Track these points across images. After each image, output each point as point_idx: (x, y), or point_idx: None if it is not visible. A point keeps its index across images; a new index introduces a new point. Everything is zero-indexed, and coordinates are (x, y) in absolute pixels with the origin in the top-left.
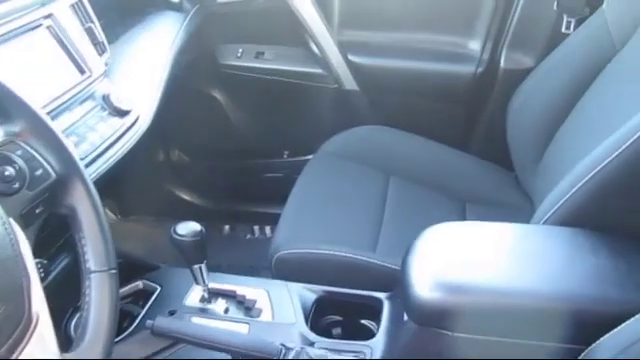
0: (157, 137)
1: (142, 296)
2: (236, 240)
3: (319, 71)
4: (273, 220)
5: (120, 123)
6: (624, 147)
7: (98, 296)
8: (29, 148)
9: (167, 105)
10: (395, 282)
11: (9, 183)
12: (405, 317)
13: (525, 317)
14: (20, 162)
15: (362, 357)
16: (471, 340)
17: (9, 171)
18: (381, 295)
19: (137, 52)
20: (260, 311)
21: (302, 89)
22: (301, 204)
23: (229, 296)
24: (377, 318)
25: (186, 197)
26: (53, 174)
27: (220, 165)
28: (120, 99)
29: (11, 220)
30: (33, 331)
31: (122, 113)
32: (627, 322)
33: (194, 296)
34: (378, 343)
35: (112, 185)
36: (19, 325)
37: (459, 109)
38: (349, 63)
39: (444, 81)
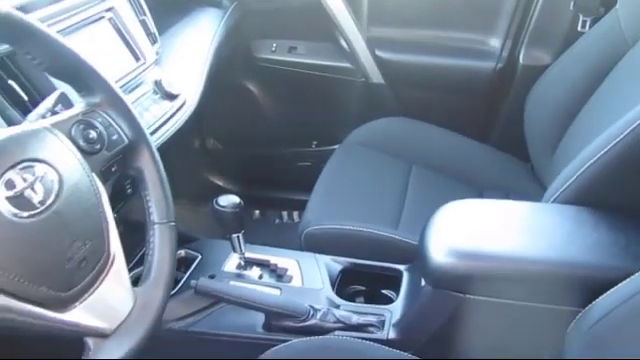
0: (194, 126)
1: (184, 263)
2: (266, 224)
3: (348, 65)
4: (301, 206)
5: (170, 106)
6: (626, 132)
7: (160, 243)
8: (107, 117)
9: (205, 95)
10: (414, 256)
11: (92, 144)
12: (422, 283)
13: (530, 282)
14: (100, 128)
15: (382, 319)
16: (480, 302)
17: (92, 134)
18: (401, 267)
19: (182, 44)
20: (291, 278)
21: (331, 82)
22: (329, 186)
23: (263, 265)
24: (397, 288)
25: (219, 183)
26: (126, 139)
27: (252, 153)
28: (170, 84)
29: (93, 175)
30: (111, 266)
31: (172, 97)
32: (618, 285)
33: (231, 263)
34: (397, 307)
35: None
36: (100, 260)
37: (479, 102)
38: (376, 58)
39: (465, 76)
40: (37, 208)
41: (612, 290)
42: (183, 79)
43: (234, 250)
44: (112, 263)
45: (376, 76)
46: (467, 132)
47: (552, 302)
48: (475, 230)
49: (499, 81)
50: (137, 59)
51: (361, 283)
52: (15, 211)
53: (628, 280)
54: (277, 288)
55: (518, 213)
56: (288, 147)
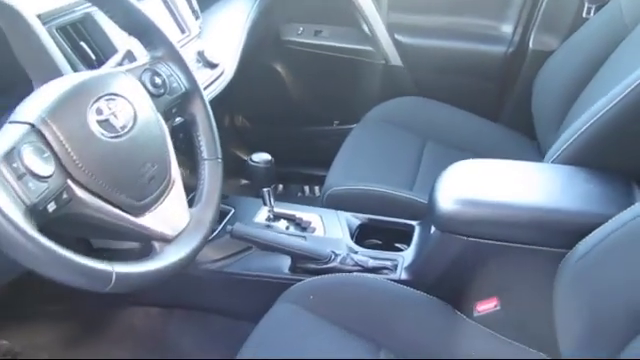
0: (224, 104)
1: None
2: (288, 197)
3: (369, 48)
4: (321, 181)
5: (210, 74)
6: (622, 96)
7: (209, 175)
8: (168, 68)
9: (237, 74)
10: (425, 213)
11: (157, 88)
12: (432, 230)
13: (524, 226)
14: (164, 76)
15: (396, 263)
16: (481, 244)
17: (157, 80)
18: (413, 222)
19: (220, 22)
20: (314, 229)
21: (353, 64)
22: (349, 154)
23: (289, 218)
24: (409, 241)
25: (246, 158)
26: (183, 88)
27: (277, 131)
28: (211, 54)
29: (158, 114)
30: (172, 187)
31: (212, 66)
32: (600, 227)
33: (261, 216)
34: (409, 253)
35: None
36: (164, 180)
37: (490, 84)
38: (395, 42)
39: (478, 59)
40: (118, 132)
41: (594, 232)
42: (221, 52)
43: (264, 203)
44: (173, 185)
45: (395, 59)
46: (479, 111)
47: (544, 244)
48: (478, 182)
49: (510, 64)
50: (182, 31)
51: (377, 237)
52: (103, 131)
53: (606, 223)
54: (302, 237)
55: (517, 170)
56: (311, 125)
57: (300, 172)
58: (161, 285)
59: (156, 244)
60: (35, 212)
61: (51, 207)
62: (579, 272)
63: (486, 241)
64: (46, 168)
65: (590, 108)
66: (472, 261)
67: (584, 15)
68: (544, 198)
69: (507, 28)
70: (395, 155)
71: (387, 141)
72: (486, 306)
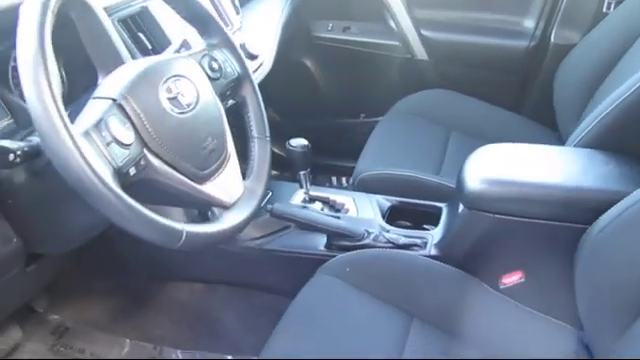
0: None
1: None
2: None
3: (395, 43)
4: (349, 172)
5: (251, 64)
6: (638, 85)
7: (259, 151)
8: (223, 54)
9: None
10: (452, 196)
11: (215, 72)
12: (460, 209)
13: (547, 203)
14: (220, 61)
15: (425, 240)
16: (507, 220)
17: (214, 65)
18: (441, 204)
19: (257, 17)
20: (347, 210)
21: (380, 58)
22: (378, 142)
23: (323, 201)
24: (437, 223)
25: (275, 150)
26: (236, 73)
27: (306, 124)
28: (252, 46)
29: (215, 95)
30: (229, 161)
31: (253, 57)
32: (617, 204)
33: (297, 198)
34: (438, 231)
35: None
36: (222, 154)
37: (513, 77)
38: (421, 37)
39: (501, 53)
40: (185, 109)
41: (612, 208)
42: (260, 44)
43: (300, 186)
44: (229, 158)
45: (421, 53)
46: (502, 104)
47: (566, 220)
48: (504, 164)
49: (531, 58)
50: (226, 25)
51: (406, 219)
52: (172, 107)
53: (623, 199)
54: (336, 217)
55: (540, 152)
56: (339, 118)
57: (328, 163)
58: (205, 262)
59: (216, 210)
60: (120, 174)
61: (132, 171)
62: (598, 245)
63: (511, 218)
64: (128, 137)
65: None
66: (498, 237)
67: (604, 10)
68: (566, 177)
69: (529, 23)
70: (421, 143)
71: (413, 131)
72: (511, 279)
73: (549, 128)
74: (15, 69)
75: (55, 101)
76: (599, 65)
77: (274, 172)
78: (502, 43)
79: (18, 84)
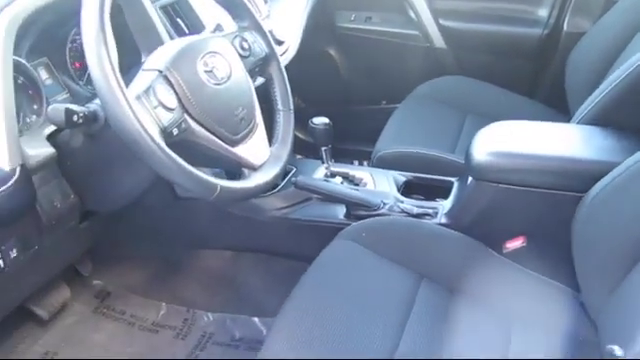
0: None
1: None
2: None
3: (415, 32)
4: (370, 156)
5: (277, 49)
6: (635, 66)
7: (284, 121)
8: (252, 35)
9: (294, 59)
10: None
11: (245, 51)
12: (468, 181)
13: (548, 173)
14: (249, 42)
15: (436, 210)
16: (511, 190)
17: (245, 45)
18: (453, 179)
19: (284, 7)
20: (365, 184)
21: (400, 47)
22: (397, 124)
23: (344, 176)
24: (448, 197)
25: (300, 135)
26: (264, 52)
27: (330, 110)
28: (279, 33)
29: (245, 71)
30: (257, 129)
31: (279, 42)
32: (610, 172)
33: (319, 173)
34: (448, 202)
35: None
36: (251, 122)
37: (527, 64)
38: (439, 26)
39: (516, 41)
40: (219, 81)
41: (606, 176)
42: (286, 31)
43: (322, 161)
44: (257, 127)
45: (439, 41)
46: (516, 89)
47: (564, 189)
48: (509, 138)
49: (545, 45)
50: (256, 12)
51: (420, 194)
52: (209, 79)
53: (615, 168)
54: (355, 190)
55: (544, 128)
56: (361, 105)
57: (350, 148)
58: (233, 231)
59: (245, 170)
60: (165, 133)
61: (175, 131)
62: (592, 211)
63: (515, 187)
64: (171, 102)
65: None
66: (502, 205)
67: None
68: (565, 150)
69: (543, 12)
70: (438, 125)
71: (431, 114)
72: (513, 244)
73: (561, 112)
74: (71, 50)
75: (114, 71)
76: (608, 51)
77: (298, 156)
78: (517, 31)
79: (74, 62)
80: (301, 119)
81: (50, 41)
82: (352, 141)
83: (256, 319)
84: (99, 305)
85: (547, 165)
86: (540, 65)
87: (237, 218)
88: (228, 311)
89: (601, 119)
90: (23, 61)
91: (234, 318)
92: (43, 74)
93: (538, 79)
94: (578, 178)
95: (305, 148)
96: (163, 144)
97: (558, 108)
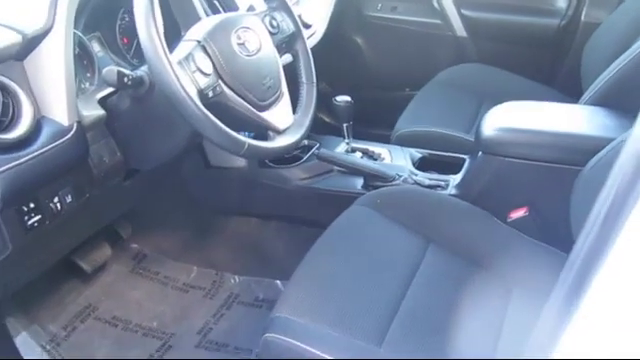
0: None
1: (306, 148)
2: None
3: (438, 21)
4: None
5: (305, 32)
6: (637, 52)
7: (307, 93)
8: (281, 15)
9: (321, 46)
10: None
11: (274, 28)
12: (478, 155)
13: (549, 147)
14: (278, 20)
15: (447, 183)
16: (515, 163)
17: (274, 23)
18: (465, 156)
19: None
20: (383, 159)
21: (423, 36)
22: (417, 106)
23: (363, 151)
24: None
25: (326, 119)
26: (290, 30)
27: (355, 96)
28: (307, 17)
29: (274, 47)
30: (282, 97)
31: (307, 26)
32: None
33: (340, 148)
34: (458, 176)
35: None
36: (277, 91)
37: (545, 52)
38: (461, 15)
39: (535, 30)
40: (250, 52)
41: (601, 151)
42: (314, 16)
43: (344, 137)
44: (282, 96)
45: (460, 30)
46: (534, 77)
47: (565, 162)
48: (516, 116)
49: (563, 35)
50: None
51: (434, 169)
52: (241, 50)
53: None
54: (372, 163)
55: (550, 108)
56: (385, 91)
57: (373, 132)
58: (260, 199)
59: (271, 133)
60: (201, 95)
61: (210, 94)
62: (588, 181)
63: (519, 160)
64: (208, 68)
65: None
66: (507, 177)
67: None
68: (567, 126)
69: (562, 3)
70: (456, 108)
71: (450, 98)
72: (517, 214)
73: (577, 99)
74: (120, 26)
75: (160, 39)
76: (621, 40)
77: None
78: (536, 21)
79: (122, 38)
80: (326, 102)
81: (102, 18)
82: (374, 126)
83: (278, 282)
84: (136, 266)
85: (550, 140)
86: (557, 54)
87: (264, 187)
88: (253, 274)
89: (604, 100)
90: (80, 34)
91: (258, 281)
92: (96, 47)
93: (555, 67)
94: (577, 152)
95: (328, 130)
96: (200, 103)
97: (574, 96)
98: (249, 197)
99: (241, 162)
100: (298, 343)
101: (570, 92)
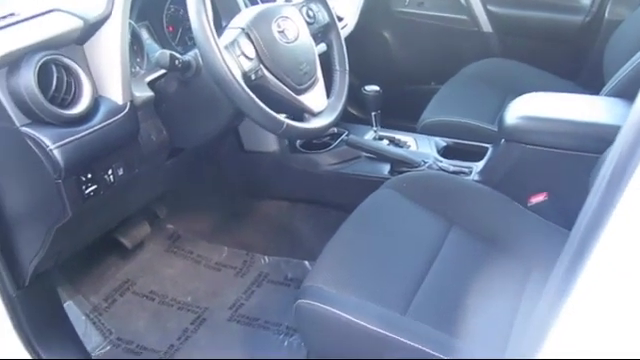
0: None
1: (335, 137)
2: None
3: (464, 17)
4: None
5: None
6: None
7: (339, 80)
8: (317, 6)
9: (350, 40)
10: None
11: (310, 18)
12: (501, 142)
13: (569, 136)
14: (314, 11)
15: (470, 169)
16: (536, 150)
17: (310, 13)
18: (488, 145)
19: None
20: (409, 147)
21: (449, 31)
22: (444, 96)
23: (390, 139)
24: None
25: (354, 112)
26: (325, 21)
27: (382, 89)
28: (339, 10)
29: (310, 36)
30: (317, 82)
31: (339, 19)
32: None
33: (368, 136)
34: (481, 163)
35: None
36: (312, 77)
37: (568, 48)
38: (487, 11)
39: (559, 26)
40: (289, 40)
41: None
42: (345, 10)
43: (372, 125)
44: (317, 81)
45: (486, 26)
46: (557, 72)
47: (583, 150)
48: (538, 105)
49: (586, 31)
50: None
51: (458, 158)
52: (281, 38)
53: None
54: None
55: (571, 99)
56: (411, 85)
57: (399, 124)
58: (290, 183)
59: (306, 115)
60: (245, 77)
61: (252, 76)
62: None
63: (540, 148)
64: (251, 53)
65: None
66: (528, 164)
67: None
68: (586, 116)
69: (586, 0)
70: (481, 100)
71: (474, 91)
72: (537, 198)
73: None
74: (166, 16)
75: (211, 26)
76: None
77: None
78: (560, 18)
79: (168, 26)
80: (354, 95)
81: (151, 8)
82: (402, 118)
83: (306, 262)
84: (171, 245)
85: (569, 128)
86: (581, 50)
87: (295, 171)
88: (282, 255)
89: (623, 92)
90: (132, 22)
91: (287, 261)
92: (144, 34)
93: (578, 63)
94: (596, 140)
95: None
96: (244, 84)
97: (596, 91)
98: (280, 181)
99: (273, 147)
100: (329, 308)
101: (592, 88)
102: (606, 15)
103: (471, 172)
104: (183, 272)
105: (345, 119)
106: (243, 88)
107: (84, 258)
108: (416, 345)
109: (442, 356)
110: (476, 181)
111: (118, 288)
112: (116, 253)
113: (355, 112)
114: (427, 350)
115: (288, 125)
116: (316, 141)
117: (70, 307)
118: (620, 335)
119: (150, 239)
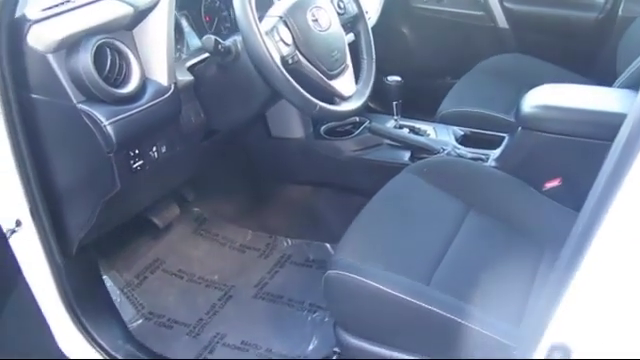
0: None
1: (357, 125)
2: None
3: (481, 13)
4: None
5: None
6: None
7: (367, 67)
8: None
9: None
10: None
11: (341, 9)
12: (517, 130)
13: (583, 124)
14: (344, 2)
15: (487, 156)
16: (552, 137)
17: (341, 4)
18: (504, 134)
19: None
20: (428, 135)
21: (467, 27)
22: (461, 88)
23: (410, 128)
24: None
25: (371, 105)
26: (354, 12)
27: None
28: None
29: (340, 25)
30: (347, 69)
31: None
32: None
33: (389, 125)
34: (498, 150)
35: None
36: (343, 64)
37: (582, 44)
38: (503, 8)
39: (573, 23)
40: (323, 28)
41: None
42: (368, 3)
43: (393, 114)
44: (347, 67)
45: (502, 22)
46: (571, 67)
47: (596, 137)
48: (553, 95)
49: (600, 28)
50: None
51: (475, 146)
52: (315, 26)
53: None
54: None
55: (586, 90)
56: (428, 79)
57: (417, 117)
58: (315, 168)
59: (337, 99)
60: (283, 61)
61: (289, 61)
62: None
63: (556, 135)
64: (288, 39)
65: None
66: (544, 151)
67: None
68: (600, 105)
69: None
70: (497, 92)
71: (490, 85)
72: (552, 184)
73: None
74: (204, 6)
75: (254, 13)
76: None
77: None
78: (574, 14)
79: (206, 16)
80: (374, 88)
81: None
82: (419, 112)
83: (328, 245)
84: (197, 227)
85: (583, 117)
86: (595, 46)
87: (319, 156)
88: (305, 238)
89: (636, 83)
90: (175, 12)
91: (309, 243)
92: (184, 23)
93: (592, 59)
94: (609, 128)
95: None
96: (282, 67)
97: (609, 86)
98: (304, 166)
99: (299, 133)
100: (358, 276)
101: (605, 83)
102: (620, 12)
103: (488, 159)
104: (209, 253)
105: (366, 110)
106: (282, 71)
107: (118, 236)
108: (443, 313)
109: (469, 324)
110: (493, 167)
111: (149, 266)
112: (147, 233)
113: (374, 106)
114: (454, 318)
115: (321, 107)
116: (340, 128)
117: (106, 281)
118: (621, 306)
119: (178, 221)
